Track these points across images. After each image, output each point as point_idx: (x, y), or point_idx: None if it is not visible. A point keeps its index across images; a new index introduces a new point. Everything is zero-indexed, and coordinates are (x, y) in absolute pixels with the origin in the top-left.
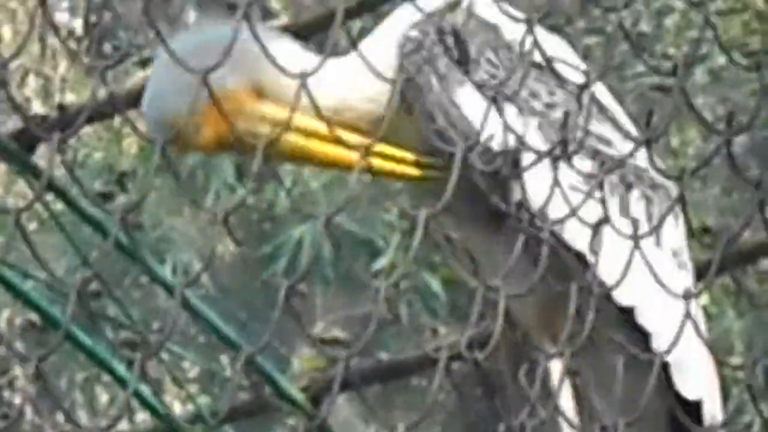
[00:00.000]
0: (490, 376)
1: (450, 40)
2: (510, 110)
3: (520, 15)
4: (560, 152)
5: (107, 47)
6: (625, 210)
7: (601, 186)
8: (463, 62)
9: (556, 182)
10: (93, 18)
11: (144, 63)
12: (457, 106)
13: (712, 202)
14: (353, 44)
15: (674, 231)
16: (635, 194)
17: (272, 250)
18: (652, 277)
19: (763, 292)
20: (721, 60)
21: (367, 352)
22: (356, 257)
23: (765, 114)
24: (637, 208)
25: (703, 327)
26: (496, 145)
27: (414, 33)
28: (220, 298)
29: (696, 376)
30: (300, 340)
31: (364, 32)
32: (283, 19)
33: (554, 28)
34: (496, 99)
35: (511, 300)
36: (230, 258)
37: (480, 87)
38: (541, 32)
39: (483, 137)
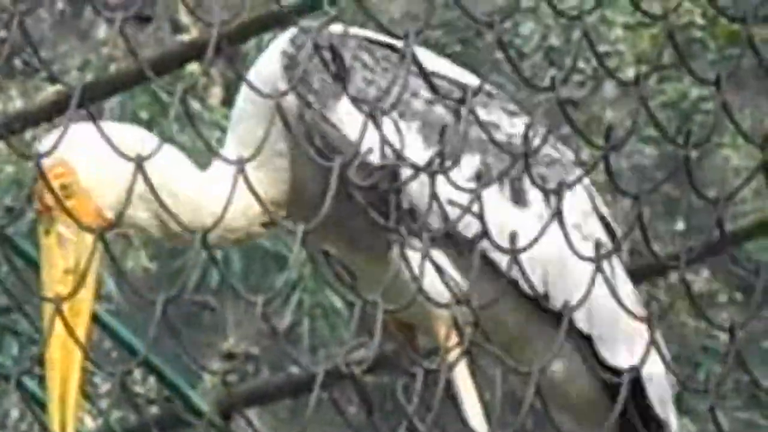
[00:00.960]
0: (367, 392)
1: (327, 54)
2: (387, 123)
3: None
4: (437, 166)
5: (17, 63)
6: (520, 196)
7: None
8: (341, 76)
9: (434, 196)
10: (1, 33)
11: (53, 79)
12: (332, 123)
13: (621, 214)
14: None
15: (574, 203)
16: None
17: (182, 263)
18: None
19: (672, 303)
20: (630, 73)
21: (279, 366)
22: (267, 271)
23: (674, 126)
24: (534, 191)
25: (624, 289)
26: (374, 159)
27: (290, 48)
28: (131, 312)
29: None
30: (211, 355)
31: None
32: (193, 33)
33: (464, 42)
34: (372, 114)
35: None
36: (141, 273)
37: (357, 100)
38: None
39: (361, 152)
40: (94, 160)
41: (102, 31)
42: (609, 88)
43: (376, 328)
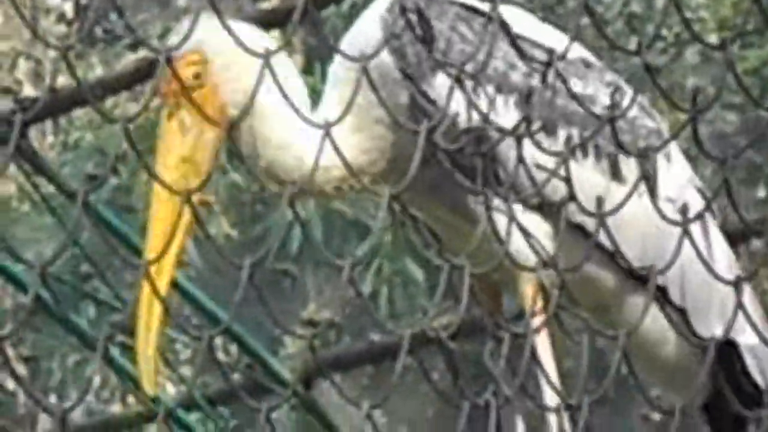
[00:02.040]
0: (455, 357)
1: (413, 18)
2: (480, 92)
3: None
4: (524, 130)
5: (99, 30)
6: (616, 170)
7: (584, 152)
8: (428, 40)
9: (520, 159)
10: (83, 1)
11: (134, 46)
12: (427, 94)
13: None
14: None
15: (671, 174)
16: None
17: (262, 231)
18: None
19: (756, 271)
20: (712, 39)
21: (359, 333)
22: (348, 238)
23: (756, 93)
24: (629, 166)
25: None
26: (462, 123)
27: (388, 16)
28: (212, 278)
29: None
30: (292, 323)
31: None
32: (273, 1)
33: (546, 7)
34: (459, 78)
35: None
36: (222, 240)
37: (445, 65)
38: (508, 8)
39: (448, 116)
40: (229, 54)
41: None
42: (690, 55)
43: (463, 292)
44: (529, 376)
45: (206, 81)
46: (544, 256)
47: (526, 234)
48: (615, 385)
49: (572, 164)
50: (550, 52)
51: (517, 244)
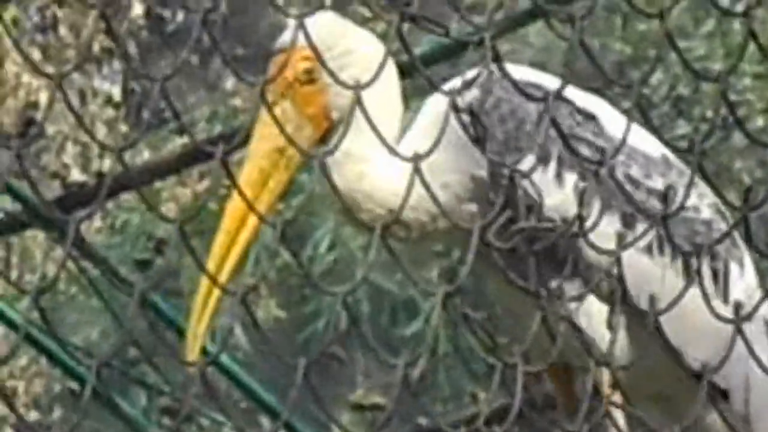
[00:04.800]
0: None
1: (466, 118)
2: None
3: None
4: (577, 228)
5: (146, 114)
6: (689, 270)
7: (661, 250)
8: (481, 138)
9: (575, 259)
10: (132, 85)
11: (181, 130)
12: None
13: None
14: None
15: (741, 279)
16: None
17: (310, 312)
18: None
19: None
20: (760, 122)
21: (407, 417)
22: (395, 319)
23: None
24: (703, 268)
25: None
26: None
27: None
28: (259, 362)
29: None
30: (340, 407)
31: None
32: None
33: (593, 91)
34: (511, 177)
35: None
36: (268, 322)
37: (495, 163)
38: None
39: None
40: (344, 59)
41: (230, 83)
42: (738, 138)
43: (516, 391)
44: None
45: (316, 78)
46: (601, 354)
47: (578, 330)
48: None
49: (647, 260)
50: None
51: (592, 334)
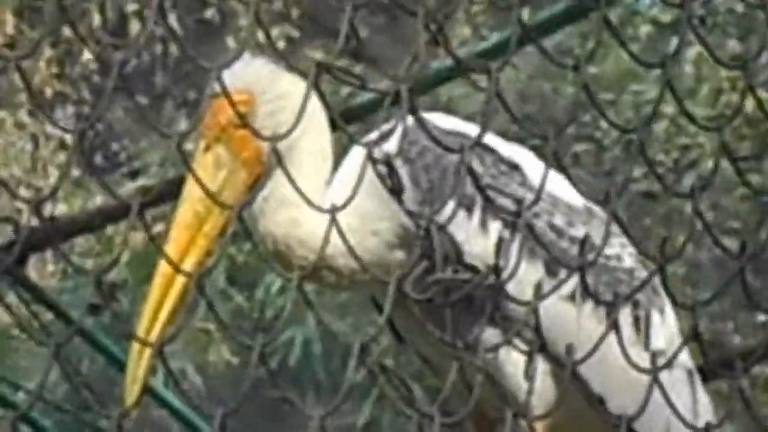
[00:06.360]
0: None
1: (383, 169)
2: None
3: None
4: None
5: (98, 158)
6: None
7: (583, 298)
8: (397, 190)
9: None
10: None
11: (134, 174)
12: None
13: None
14: None
15: (662, 330)
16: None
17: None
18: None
19: (756, 396)
20: (710, 164)
21: None
22: (348, 360)
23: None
24: (624, 316)
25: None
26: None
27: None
28: (213, 406)
29: None
30: None
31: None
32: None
33: (542, 136)
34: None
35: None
36: (222, 366)
37: (412, 215)
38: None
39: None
40: (277, 101)
41: (182, 125)
42: (689, 180)
43: None
44: None
45: (250, 122)
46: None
47: (492, 381)
48: None
49: (570, 308)
50: (555, 199)
51: (518, 382)
